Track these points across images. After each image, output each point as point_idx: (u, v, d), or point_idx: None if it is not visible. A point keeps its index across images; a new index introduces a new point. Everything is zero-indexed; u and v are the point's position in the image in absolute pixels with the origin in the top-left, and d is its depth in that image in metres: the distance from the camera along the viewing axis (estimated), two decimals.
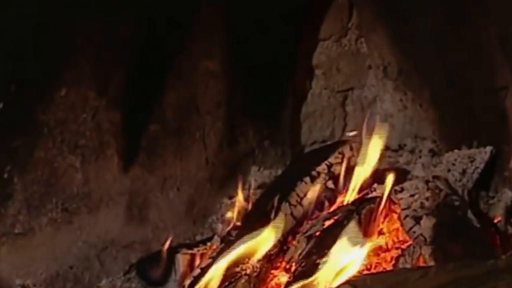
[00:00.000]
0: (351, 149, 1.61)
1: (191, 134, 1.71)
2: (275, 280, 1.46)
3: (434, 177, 1.55)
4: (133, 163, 1.66)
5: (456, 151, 1.66)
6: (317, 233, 1.46)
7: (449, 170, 1.61)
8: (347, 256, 1.34)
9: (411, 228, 1.44)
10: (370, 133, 1.57)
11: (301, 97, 1.86)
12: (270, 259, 1.46)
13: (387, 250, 1.46)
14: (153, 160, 1.68)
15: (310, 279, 1.35)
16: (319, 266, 1.37)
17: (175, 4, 1.62)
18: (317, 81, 1.88)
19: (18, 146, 1.55)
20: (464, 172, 1.60)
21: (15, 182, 1.56)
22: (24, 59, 1.52)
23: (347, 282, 1.25)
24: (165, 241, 1.60)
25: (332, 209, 1.54)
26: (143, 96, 1.65)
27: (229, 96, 1.73)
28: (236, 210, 1.60)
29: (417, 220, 1.45)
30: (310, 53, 1.86)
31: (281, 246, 1.47)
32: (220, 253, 1.46)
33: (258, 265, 1.44)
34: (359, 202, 1.50)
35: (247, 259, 1.44)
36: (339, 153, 1.61)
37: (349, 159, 1.60)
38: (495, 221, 1.56)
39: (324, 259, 1.38)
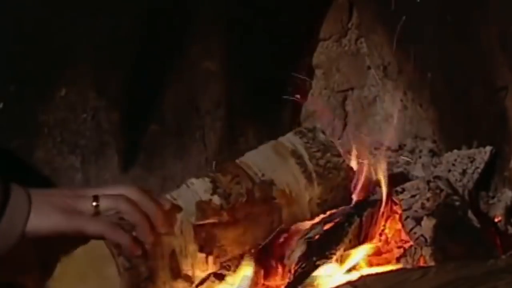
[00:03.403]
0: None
1: (191, 134, 1.71)
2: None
3: (436, 177, 1.55)
4: (133, 163, 1.66)
5: (456, 151, 1.66)
6: (317, 236, 1.46)
7: (449, 171, 1.61)
8: None
9: (412, 229, 1.44)
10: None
11: (301, 97, 1.86)
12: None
13: (389, 251, 1.47)
14: (153, 160, 1.68)
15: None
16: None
17: (175, 4, 1.62)
18: (317, 81, 1.88)
19: (18, 146, 1.55)
20: (464, 172, 1.60)
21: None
22: (24, 59, 1.52)
23: (347, 282, 1.25)
24: None
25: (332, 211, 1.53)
26: (143, 96, 1.65)
27: (229, 96, 1.73)
28: None
29: (418, 221, 1.45)
30: (310, 53, 1.86)
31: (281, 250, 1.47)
32: None
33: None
34: (360, 205, 1.50)
35: None
36: None
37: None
38: (495, 221, 1.56)
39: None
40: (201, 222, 1.30)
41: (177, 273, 1.28)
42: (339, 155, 1.45)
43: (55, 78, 1.57)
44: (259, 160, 1.42)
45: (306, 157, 1.42)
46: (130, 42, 1.60)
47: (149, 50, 1.62)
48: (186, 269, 1.29)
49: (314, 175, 1.41)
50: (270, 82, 1.78)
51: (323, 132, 1.46)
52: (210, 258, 1.32)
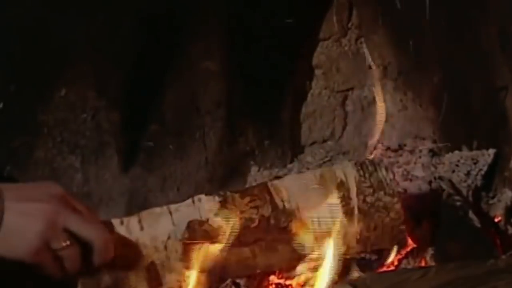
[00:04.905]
0: None
1: (191, 134, 1.72)
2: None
3: (439, 177, 1.55)
4: (133, 163, 1.66)
5: (458, 152, 1.66)
6: None
7: (453, 171, 1.61)
8: None
9: (413, 230, 1.44)
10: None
11: (301, 97, 1.86)
12: None
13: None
14: (153, 160, 1.68)
15: None
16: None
17: (175, 4, 1.62)
18: (317, 81, 1.88)
19: (18, 146, 1.55)
20: (468, 173, 1.60)
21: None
22: (24, 59, 1.52)
23: (347, 281, 1.25)
24: None
25: None
26: (143, 96, 1.65)
27: (229, 96, 1.73)
28: None
29: (419, 221, 1.45)
30: (310, 53, 1.86)
31: None
32: None
33: None
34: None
35: None
36: None
37: None
38: (495, 221, 1.56)
39: None
40: (188, 242, 1.29)
41: (157, 285, 1.27)
42: (393, 195, 1.36)
43: (55, 78, 1.57)
44: (296, 186, 1.35)
45: (353, 191, 1.34)
46: (130, 42, 1.60)
47: (149, 50, 1.62)
48: (171, 284, 1.28)
49: (356, 211, 1.34)
50: (270, 82, 1.78)
51: (387, 169, 1.38)
52: (202, 277, 1.30)
